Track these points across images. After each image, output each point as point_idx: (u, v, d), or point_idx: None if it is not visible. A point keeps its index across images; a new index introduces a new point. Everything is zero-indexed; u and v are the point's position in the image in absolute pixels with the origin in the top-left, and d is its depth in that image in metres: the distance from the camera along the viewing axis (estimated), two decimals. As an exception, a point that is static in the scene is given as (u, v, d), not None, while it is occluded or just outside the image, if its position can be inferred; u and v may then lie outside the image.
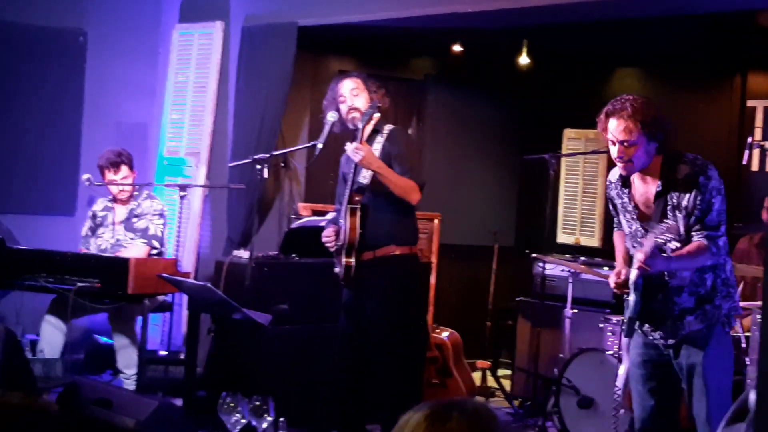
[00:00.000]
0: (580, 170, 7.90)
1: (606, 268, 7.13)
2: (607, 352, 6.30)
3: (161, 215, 6.76)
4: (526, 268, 7.65)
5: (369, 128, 5.45)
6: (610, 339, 6.45)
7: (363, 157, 5.18)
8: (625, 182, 4.45)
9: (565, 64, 8.62)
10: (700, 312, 4.31)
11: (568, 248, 7.76)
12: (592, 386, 6.28)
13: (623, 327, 4.58)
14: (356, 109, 5.44)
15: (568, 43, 8.15)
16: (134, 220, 6.72)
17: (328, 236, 5.49)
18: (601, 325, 6.60)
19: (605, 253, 7.55)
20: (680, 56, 7.81)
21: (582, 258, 7.18)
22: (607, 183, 4.59)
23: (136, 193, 6.80)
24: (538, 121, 8.80)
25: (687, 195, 4.20)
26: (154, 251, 6.69)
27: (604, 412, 6.21)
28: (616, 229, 4.72)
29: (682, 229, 4.24)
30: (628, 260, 4.44)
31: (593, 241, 7.78)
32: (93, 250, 6.76)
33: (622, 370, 6.04)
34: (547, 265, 6.88)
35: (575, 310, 6.80)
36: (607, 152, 7.37)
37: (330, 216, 5.80)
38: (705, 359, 4.29)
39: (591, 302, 7.08)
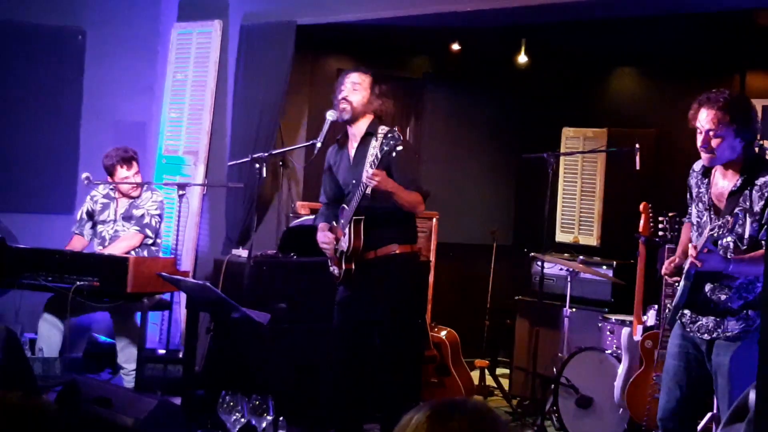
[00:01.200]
0: (578, 169, 7.89)
1: (604, 267, 7.15)
2: (605, 351, 6.30)
3: (159, 208, 6.79)
4: (524, 267, 7.65)
5: (362, 130, 5.43)
6: (609, 338, 6.46)
7: (379, 183, 5.13)
8: (706, 172, 4.49)
9: (564, 62, 8.62)
10: (743, 316, 4.33)
11: (567, 247, 7.76)
12: (590, 385, 6.28)
13: (667, 314, 4.70)
14: (348, 102, 5.42)
15: (567, 42, 8.15)
16: (134, 210, 6.75)
17: (325, 242, 5.49)
18: (599, 324, 6.61)
19: (603, 252, 7.57)
20: (679, 55, 7.81)
21: (580, 257, 7.18)
22: (690, 171, 4.62)
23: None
24: (537, 120, 8.80)
25: (761, 202, 4.22)
26: (149, 241, 6.70)
27: (602, 411, 6.22)
28: (686, 220, 4.77)
29: (747, 233, 4.26)
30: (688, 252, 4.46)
31: (591, 240, 7.77)
32: (87, 236, 6.79)
33: (621, 369, 6.06)
34: (546, 264, 6.88)
35: (573, 309, 6.81)
36: (605, 151, 7.45)
37: (323, 212, 5.75)
38: (732, 361, 4.31)
39: (589, 301, 7.08)
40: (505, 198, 9.15)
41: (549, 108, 8.71)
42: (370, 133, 5.41)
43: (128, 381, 6.41)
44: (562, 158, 7.79)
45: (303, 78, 7.72)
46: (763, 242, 4.26)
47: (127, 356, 6.47)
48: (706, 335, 4.40)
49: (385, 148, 5.21)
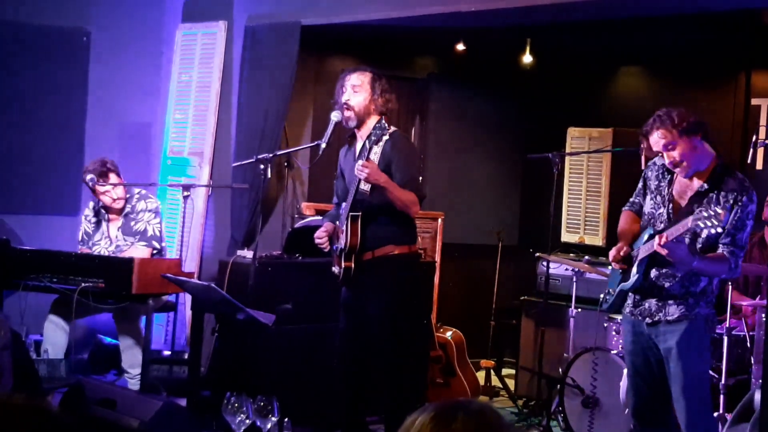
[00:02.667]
0: (584, 169, 7.88)
1: (610, 267, 7.12)
2: (611, 351, 6.29)
3: (156, 213, 6.75)
4: (529, 267, 7.65)
5: (369, 130, 5.42)
6: (615, 338, 6.45)
7: (368, 174, 5.15)
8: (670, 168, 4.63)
9: (569, 62, 8.61)
10: (683, 303, 4.53)
11: (572, 247, 7.75)
12: (596, 385, 6.27)
13: (606, 298, 4.89)
14: (351, 108, 5.41)
15: (572, 42, 8.15)
16: (132, 223, 6.71)
17: (320, 237, 5.50)
18: (605, 324, 6.60)
19: (609, 251, 7.54)
20: (684, 55, 7.80)
21: (586, 257, 7.17)
22: (650, 163, 4.82)
23: (128, 196, 6.77)
24: (542, 120, 8.80)
25: (724, 211, 4.27)
26: (156, 251, 6.69)
27: (608, 411, 6.20)
28: (627, 208, 4.94)
29: (704, 234, 4.44)
30: (630, 240, 4.71)
31: (597, 239, 7.76)
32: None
33: (626, 369, 6.04)
34: (551, 264, 6.87)
35: (579, 309, 6.80)
36: (611, 151, 7.44)
37: (331, 213, 5.77)
38: (678, 345, 4.49)
39: (595, 301, 7.02)
40: (511, 198, 9.15)
41: (554, 108, 8.70)
42: (374, 132, 5.40)
43: (133, 384, 6.41)
44: (567, 158, 7.78)
45: (307, 79, 7.72)
46: (720, 245, 4.47)
47: (131, 360, 6.46)
48: (648, 319, 4.60)
49: (373, 138, 5.21)
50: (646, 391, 4.69)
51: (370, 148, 5.24)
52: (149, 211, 6.73)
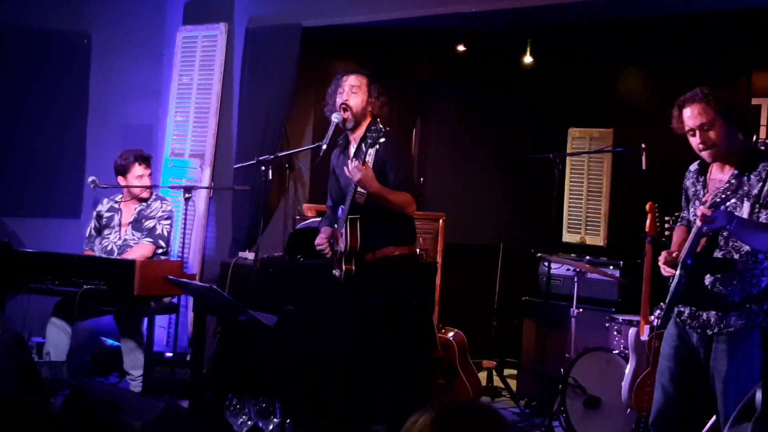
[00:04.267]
0: (585, 169, 7.88)
1: (611, 267, 7.13)
2: (613, 352, 6.29)
3: (169, 217, 6.80)
4: (531, 267, 7.64)
5: (362, 133, 5.44)
6: (616, 338, 6.45)
7: (361, 177, 5.17)
8: (702, 170, 4.46)
9: (570, 63, 8.61)
10: (745, 311, 4.27)
11: (574, 247, 7.75)
12: (598, 386, 6.27)
13: (659, 314, 4.57)
14: (349, 107, 5.42)
15: (572, 42, 8.15)
16: (144, 221, 6.74)
17: (320, 244, 5.50)
18: (607, 325, 6.60)
19: (610, 252, 7.55)
20: (685, 55, 7.80)
21: (587, 257, 7.18)
22: (686, 173, 4.59)
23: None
24: (543, 121, 8.80)
25: (759, 185, 4.18)
26: (160, 251, 6.71)
27: (610, 411, 6.20)
28: (679, 224, 4.72)
29: (745, 215, 4.21)
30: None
31: (598, 240, 7.76)
32: (98, 251, 6.78)
33: (628, 369, 6.05)
34: (553, 265, 6.87)
35: (581, 310, 6.80)
36: (611, 151, 7.44)
37: (327, 216, 5.77)
38: (730, 363, 4.27)
39: (597, 301, 7.07)
40: (512, 199, 9.14)
41: (555, 108, 8.70)
42: (368, 134, 5.41)
43: (135, 386, 6.42)
44: (568, 158, 7.78)
45: (308, 80, 7.72)
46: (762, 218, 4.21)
47: (133, 361, 6.47)
48: (708, 331, 4.33)
49: (369, 141, 5.22)
50: (672, 402, 4.48)
51: (366, 152, 5.25)
52: (163, 212, 6.77)
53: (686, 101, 4.34)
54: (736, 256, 4.30)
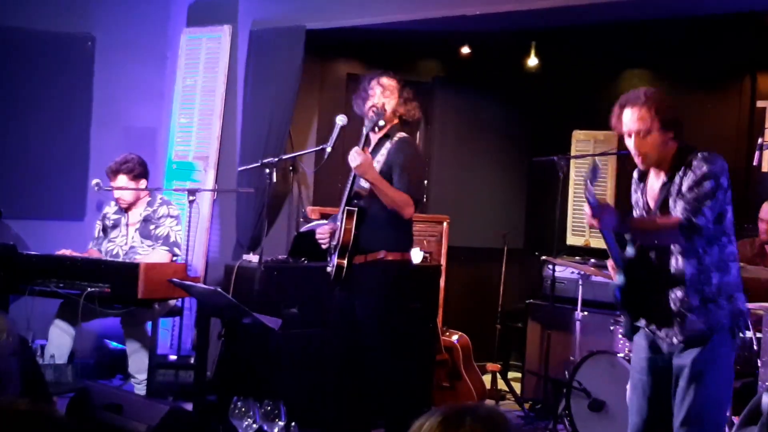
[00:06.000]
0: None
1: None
2: (617, 355, 6.28)
3: (178, 220, 6.78)
4: (535, 270, 7.64)
5: (379, 134, 5.43)
6: (621, 341, 6.44)
7: (359, 164, 5.17)
8: (642, 176, 4.41)
9: (574, 65, 8.61)
10: (703, 311, 4.14)
11: (578, 250, 7.75)
12: (602, 389, 6.26)
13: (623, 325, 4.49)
14: (383, 109, 5.39)
15: (577, 45, 8.15)
16: (151, 227, 6.72)
17: (322, 234, 5.50)
18: (611, 328, 6.59)
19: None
20: (689, 57, 7.79)
21: (592, 260, 7.16)
22: (632, 182, 4.52)
23: (149, 198, 6.80)
24: (547, 123, 8.79)
25: (688, 181, 4.10)
26: (176, 258, 6.69)
27: (615, 414, 6.19)
28: None
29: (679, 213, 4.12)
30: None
31: (603, 242, 7.75)
32: (103, 252, 6.77)
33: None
34: (557, 267, 6.87)
35: (585, 313, 6.78)
36: (616, 153, 7.44)
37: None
38: (693, 364, 4.12)
39: (601, 304, 7.05)
40: (516, 201, 9.14)
41: (559, 111, 8.70)
42: (387, 136, 5.41)
43: (139, 389, 6.41)
44: (572, 161, 7.78)
45: (312, 83, 7.72)
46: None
47: (137, 364, 6.46)
48: (675, 339, 4.18)
49: (393, 150, 5.25)
50: (648, 417, 4.31)
51: (377, 144, 5.26)
52: (171, 216, 6.74)
53: (628, 102, 4.22)
54: (673, 259, 4.21)
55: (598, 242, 7.80)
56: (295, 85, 7.25)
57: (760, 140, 5.89)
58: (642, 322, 4.33)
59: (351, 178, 5.31)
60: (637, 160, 4.28)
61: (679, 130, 4.21)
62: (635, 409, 4.36)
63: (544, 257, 7.22)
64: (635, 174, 4.47)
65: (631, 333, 4.40)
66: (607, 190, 7.76)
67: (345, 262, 5.32)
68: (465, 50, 8.21)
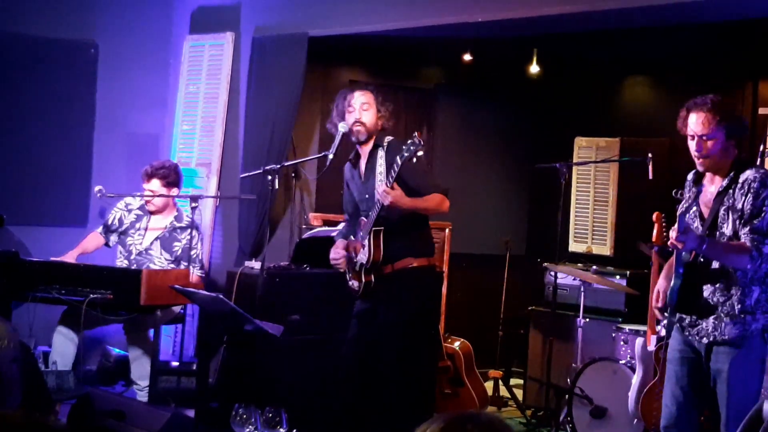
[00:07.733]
0: (591, 179, 7.87)
1: (618, 277, 7.12)
2: (619, 362, 6.28)
3: (200, 240, 6.83)
4: (537, 277, 7.64)
5: (369, 145, 5.48)
6: (623, 348, 6.44)
7: (392, 201, 5.18)
8: (697, 180, 4.55)
9: (576, 72, 8.61)
10: (740, 321, 4.32)
11: (580, 257, 7.74)
12: (604, 395, 6.26)
13: (664, 324, 4.67)
14: (362, 123, 5.46)
15: (579, 52, 8.15)
16: (174, 244, 6.71)
17: (337, 259, 5.51)
18: (613, 335, 6.59)
19: (617, 261, 7.54)
20: (691, 64, 7.79)
21: (594, 267, 7.16)
22: (685, 183, 4.66)
23: (176, 213, 6.86)
24: (549, 130, 8.80)
25: (743, 198, 4.26)
26: (202, 273, 6.73)
27: (616, 421, 6.19)
28: None
29: (729, 231, 4.31)
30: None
31: (605, 249, 7.75)
32: (111, 244, 6.80)
33: (635, 379, 6.04)
34: (559, 274, 6.87)
35: (587, 320, 6.78)
36: (618, 160, 7.44)
37: (340, 227, 5.81)
38: (731, 368, 4.32)
39: (603, 311, 7.06)
40: (518, 208, 9.14)
41: (561, 118, 8.70)
42: (377, 145, 5.47)
43: (141, 396, 6.42)
44: (574, 168, 7.78)
45: (315, 90, 7.73)
46: (741, 236, 4.27)
47: (140, 371, 6.47)
48: (704, 339, 4.40)
49: (388, 158, 5.27)
50: (682, 405, 4.52)
51: (370, 155, 5.32)
52: (196, 239, 6.71)
53: (695, 106, 4.42)
54: (722, 268, 4.38)
55: (599, 249, 7.80)
56: (298, 92, 7.26)
57: (761, 147, 5.90)
58: (678, 317, 4.50)
59: (377, 205, 5.30)
60: (698, 162, 4.43)
61: (741, 140, 4.41)
62: (668, 398, 4.57)
63: (545, 264, 7.22)
64: (690, 176, 4.62)
65: (669, 330, 4.58)
66: (609, 198, 7.75)
67: (372, 278, 5.38)
68: (467, 57, 8.21)
